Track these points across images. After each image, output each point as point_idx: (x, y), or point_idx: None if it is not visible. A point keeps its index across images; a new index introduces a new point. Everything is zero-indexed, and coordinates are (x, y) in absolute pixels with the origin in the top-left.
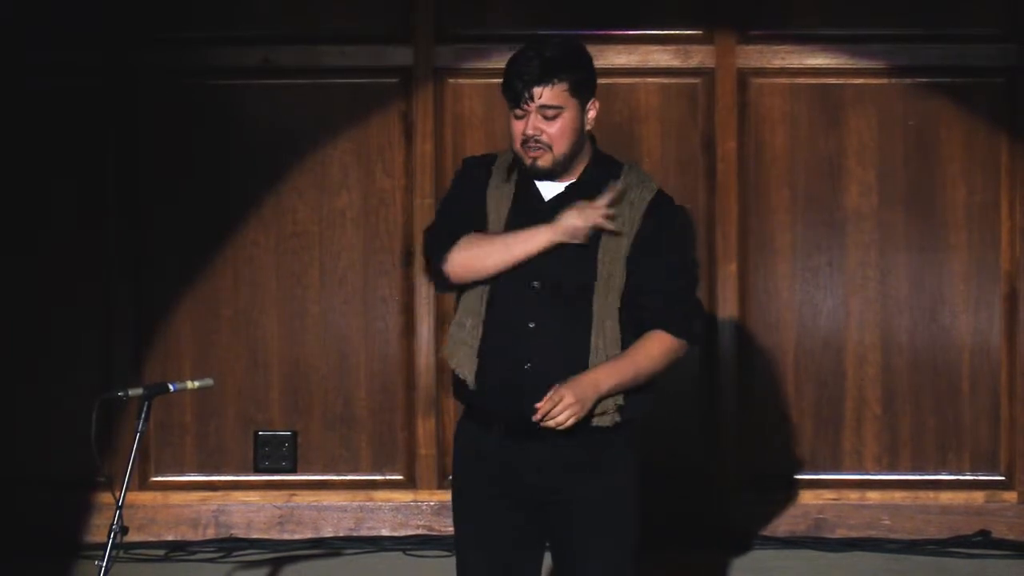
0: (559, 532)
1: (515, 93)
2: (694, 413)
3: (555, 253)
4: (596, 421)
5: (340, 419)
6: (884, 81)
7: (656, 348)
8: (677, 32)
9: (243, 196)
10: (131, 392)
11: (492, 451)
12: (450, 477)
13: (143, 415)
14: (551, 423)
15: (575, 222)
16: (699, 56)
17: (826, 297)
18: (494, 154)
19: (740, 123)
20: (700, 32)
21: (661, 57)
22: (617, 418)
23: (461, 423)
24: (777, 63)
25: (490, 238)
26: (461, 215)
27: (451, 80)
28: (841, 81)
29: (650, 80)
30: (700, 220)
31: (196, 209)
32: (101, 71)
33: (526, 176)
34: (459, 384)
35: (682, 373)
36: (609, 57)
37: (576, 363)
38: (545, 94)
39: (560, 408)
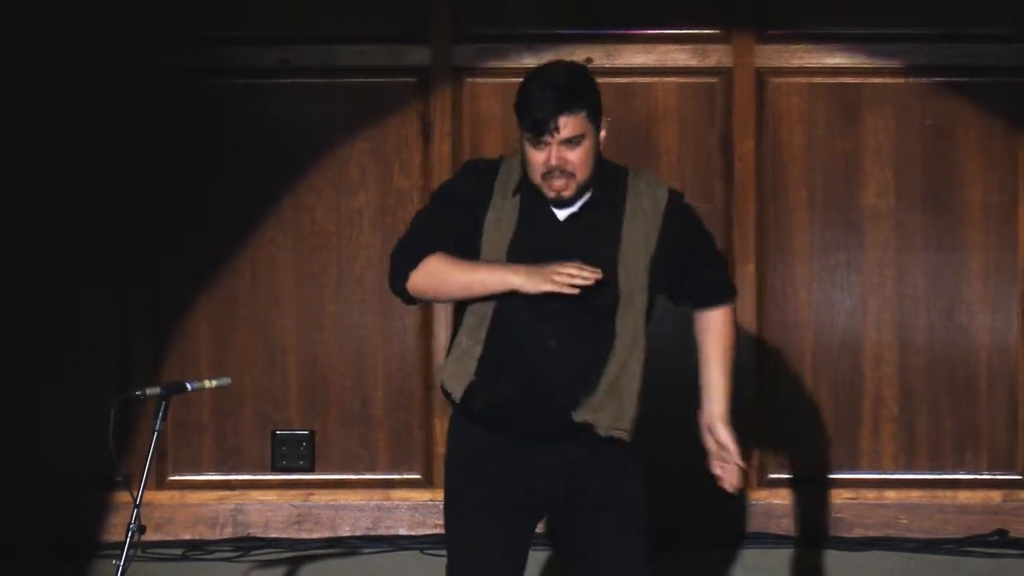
0: (577, 534)
1: (538, 125)
2: None
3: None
4: (616, 434)
5: (357, 418)
6: (902, 81)
7: (728, 332)
8: (695, 31)
9: (261, 196)
10: (148, 391)
11: (498, 452)
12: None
13: (160, 414)
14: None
15: (542, 286)
16: (717, 55)
17: (844, 297)
18: (498, 161)
19: (758, 123)
20: (718, 31)
21: (679, 56)
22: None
23: (457, 418)
24: (795, 62)
25: (454, 265)
26: (438, 232)
27: (469, 79)
28: (859, 81)
29: (668, 80)
30: (718, 220)
31: (214, 209)
32: (118, 71)
33: (534, 194)
34: (467, 403)
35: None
36: (627, 57)
37: (591, 381)
38: (570, 124)
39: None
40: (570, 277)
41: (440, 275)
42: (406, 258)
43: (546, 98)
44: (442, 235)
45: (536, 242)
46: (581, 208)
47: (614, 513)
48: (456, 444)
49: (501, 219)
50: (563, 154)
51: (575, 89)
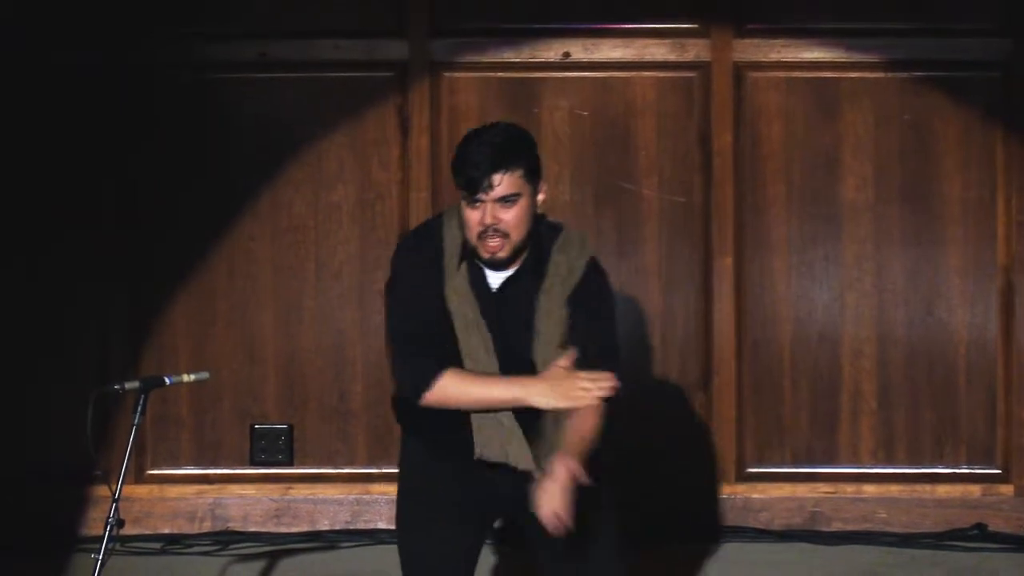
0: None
1: (472, 182)
2: (689, 407)
3: (511, 347)
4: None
5: (336, 412)
6: (880, 75)
7: (590, 428)
8: (673, 26)
9: (239, 190)
10: (127, 385)
11: (465, 463)
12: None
13: (139, 408)
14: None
15: (563, 403)
16: (695, 50)
17: (822, 291)
18: (436, 229)
19: (736, 117)
20: (696, 26)
21: (657, 51)
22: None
23: (410, 444)
24: (773, 57)
25: (470, 385)
26: (427, 331)
27: (446, 74)
28: (837, 75)
29: (646, 74)
30: (696, 214)
31: (192, 203)
32: (96, 68)
33: (473, 262)
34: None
35: (677, 367)
36: (604, 51)
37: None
38: (504, 182)
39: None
40: (587, 392)
41: (456, 396)
42: (411, 374)
43: (481, 156)
44: (432, 333)
45: (475, 311)
46: (511, 277)
47: (591, 499)
48: (411, 466)
49: (459, 294)
50: (497, 213)
51: (510, 148)
